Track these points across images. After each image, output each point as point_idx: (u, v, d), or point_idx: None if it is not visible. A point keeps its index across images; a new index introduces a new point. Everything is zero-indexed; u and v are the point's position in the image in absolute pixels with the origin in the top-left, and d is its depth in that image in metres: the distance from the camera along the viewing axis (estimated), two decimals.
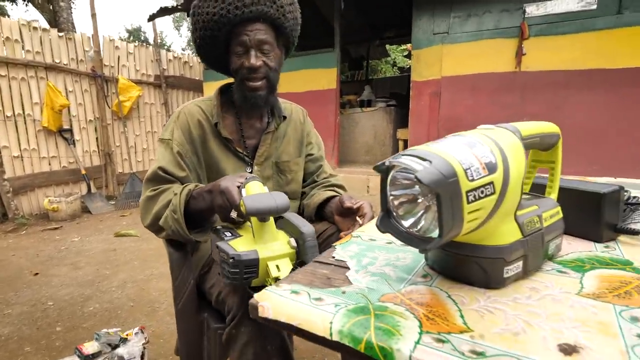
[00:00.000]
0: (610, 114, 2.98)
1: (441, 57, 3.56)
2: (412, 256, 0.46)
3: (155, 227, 0.84)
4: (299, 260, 0.61)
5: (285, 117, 1.02)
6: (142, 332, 1.65)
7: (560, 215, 0.44)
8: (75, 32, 5.67)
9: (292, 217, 0.66)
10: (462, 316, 0.32)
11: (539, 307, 0.33)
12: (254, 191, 0.66)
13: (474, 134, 0.36)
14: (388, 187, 0.36)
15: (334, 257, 0.47)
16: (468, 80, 3.47)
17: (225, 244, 0.61)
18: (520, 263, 0.38)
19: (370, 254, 0.48)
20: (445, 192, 0.30)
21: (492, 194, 0.33)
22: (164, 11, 4.15)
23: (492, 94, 3.38)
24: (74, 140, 4.03)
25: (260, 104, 0.92)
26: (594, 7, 2.97)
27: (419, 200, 0.34)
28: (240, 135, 0.96)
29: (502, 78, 3.32)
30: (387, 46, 7.18)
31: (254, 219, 0.62)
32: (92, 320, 1.83)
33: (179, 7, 4.19)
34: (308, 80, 4.20)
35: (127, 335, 1.62)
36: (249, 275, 0.58)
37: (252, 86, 0.89)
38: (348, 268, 0.44)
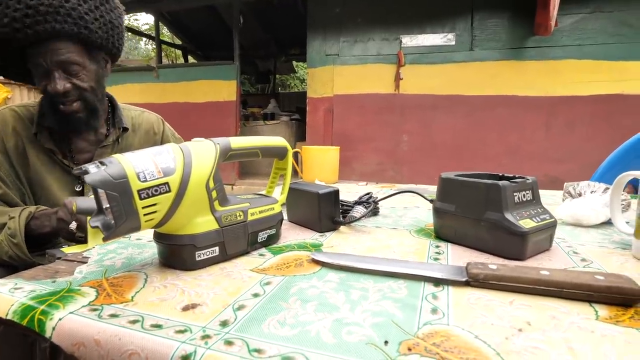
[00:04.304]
0: (466, 133, 3.52)
1: (333, 76, 3.86)
2: (149, 250, 0.54)
3: None
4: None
5: (126, 129, 0.96)
6: None
7: (276, 210, 0.55)
8: None
9: None
10: (137, 292, 0.40)
11: (208, 281, 0.43)
12: None
13: (169, 145, 0.45)
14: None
15: (82, 255, 0.52)
16: (356, 99, 3.81)
17: (54, 251, 0.60)
18: (217, 248, 0.47)
19: (120, 250, 0.55)
20: (113, 190, 0.38)
21: (168, 192, 0.42)
22: None
23: (376, 113, 3.75)
24: None
25: (80, 127, 0.84)
26: (453, 42, 3.52)
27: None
28: (67, 149, 0.89)
29: (384, 99, 3.72)
30: (295, 63, 7.46)
31: (88, 226, 0.62)
32: None
33: None
34: (208, 91, 4.17)
35: None
36: None
37: (66, 110, 0.79)
38: (85, 262, 0.49)
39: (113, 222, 0.40)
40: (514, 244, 0.48)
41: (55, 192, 0.87)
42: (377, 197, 0.74)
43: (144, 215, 0.41)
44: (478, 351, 0.29)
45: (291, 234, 0.62)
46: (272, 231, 0.55)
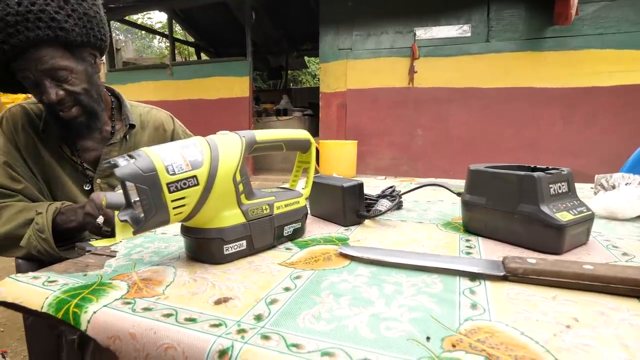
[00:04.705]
0: (482, 127, 3.46)
1: (346, 71, 3.83)
2: (176, 244, 0.54)
3: (3, 245, 0.79)
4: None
5: (133, 126, 0.95)
6: (4, 357, 1.51)
7: (301, 204, 0.55)
8: None
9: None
10: (168, 285, 0.40)
11: (237, 275, 0.42)
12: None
13: (196, 138, 0.45)
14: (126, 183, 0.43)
15: (110, 249, 0.53)
16: (370, 93, 3.77)
17: (83, 244, 0.61)
18: (244, 242, 0.47)
19: (147, 244, 0.55)
20: (142, 183, 0.38)
21: (196, 185, 0.41)
22: None
23: (390, 107, 3.71)
24: None
25: (82, 132, 0.82)
26: (469, 34, 3.45)
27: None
28: (75, 148, 0.88)
29: (398, 92, 3.67)
30: (306, 58, 7.44)
31: (117, 220, 0.63)
32: None
33: None
34: (220, 87, 4.19)
35: None
36: None
37: (65, 117, 0.78)
38: (114, 256, 0.49)
39: (142, 215, 0.39)
40: (551, 238, 0.46)
41: (70, 187, 0.88)
42: (400, 191, 0.72)
43: (173, 208, 0.40)
44: (526, 348, 0.28)
45: (315, 227, 0.61)
46: (298, 225, 0.54)
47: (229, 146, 0.46)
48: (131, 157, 0.39)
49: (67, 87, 0.75)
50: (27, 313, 0.37)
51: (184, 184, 0.40)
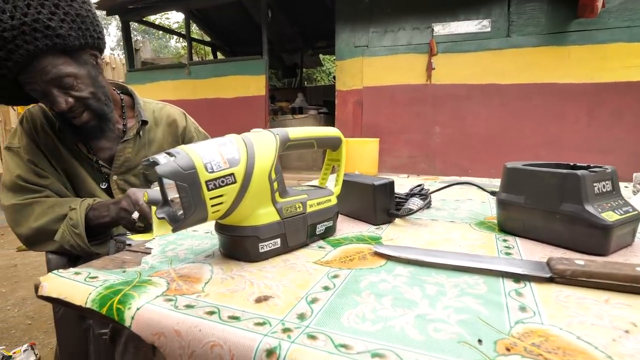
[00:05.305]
0: (502, 124, 3.38)
1: (362, 68, 3.80)
2: (208, 241, 0.54)
3: (36, 239, 0.82)
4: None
5: (145, 122, 0.95)
6: (32, 349, 1.56)
7: (332, 202, 0.54)
8: None
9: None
10: (206, 282, 0.40)
11: (274, 273, 0.42)
12: None
13: (231, 136, 0.44)
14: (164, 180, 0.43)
15: (144, 246, 0.53)
16: (386, 90, 3.73)
17: (122, 237, 0.63)
18: (278, 240, 0.47)
19: (180, 241, 0.55)
20: (182, 181, 0.38)
21: (234, 183, 0.41)
22: None
23: (407, 104, 3.67)
24: None
25: (96, 135, 0.83)
26: (489, 29, 3.37)
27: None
28: (90, 146, 0.89)
29: (415, 90, 3.62)
30: (321, 56, 7.42)
31: (154, 215, 0.64)
32: None
33: (95, 5, 3.97)
34: (237, 86, 4.21)
35: (13, 353, 1.52)
36: None
37: (77, 123, 0.79)
38: (149, 253, 0.50)
39: (180, 213, 0.40)
40: (596, 238, 0.44)
41: (89, 183, 0.90)
42: (429, 189, 0.71)
43: (211, 206, 0.40)
44: (585, 353, 0.27)
45: (345, 226, 0.60)
46: (330, 223, 0.54)
47: (264, 144, 0.45)
48: (170, 154, 0.39)
49: (75, 94, 0.75)
50: (71, 308, 0.38)
51: (222, 181, 0.40)
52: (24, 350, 1.52)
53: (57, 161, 0.87)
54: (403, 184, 0.96)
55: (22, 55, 0.67)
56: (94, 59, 0.81)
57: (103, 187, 0.91)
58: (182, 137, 1.04)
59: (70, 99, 0.75)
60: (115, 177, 0.91)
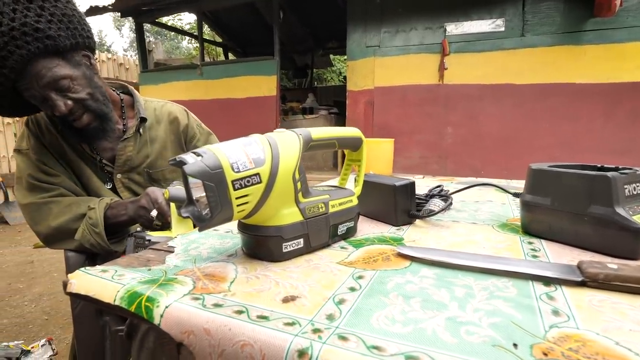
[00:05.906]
0: (515, 124, 3.34)
1: (374, 68, 3.78)
2: (230, 240, 0.54)
3: (55, 237, 0.84)
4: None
5: (144, 119, 0.95)
6: (50, 344, 1.59)
7: (354, 203, 0.54)
8: None
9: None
10: (231, 282, 0.40)
11: (298, 273, 0.42)
12: None
13: (256, 136, 0.45)
14: (189, 179, 0.43)
15: (167, 244, 0.54)
16: (398, 90, 3.71)
17: (142, 233, 0.64)
18: (301, 240, 0.46)
19: (202, 240, 0.55)
20: (210, 180, 0.38)
21: (259, 183, 0.41)
22: (92, 11, 3.97)
23: (419, 104, 3.64)
24: None
25: (98, 135, 0.83)
26: (502, 29, 3.33)
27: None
28: (92, 147, 0.90)
29: (427, 90, 3.60)
30: (332, 56, 7.41)
31: (173, 213, 0.65)
32: None
33: (110, 7, 4.04)
34: (248, 86, 4.24)
35: (31, 347, 1.55)
36: None
37: (78, 125, 0.79)
38: (172, 252, 0.50)
39: (206, 212, 0.40)
40: (627, 242, 0.43)
41: (95, 181, 0.91)
42: (448, 190, 0.70)
43: (237, 205, 0.40)
44: (626, 359, 0.26)
45: (365, 227, 0.60)
46: (351, 224, 0.53)
47: (288, 144, 0.45)
48: (197, 154, 0.40)
49: (73, 96, 0.75)
50: (99, 305, 0.39)
51: (248, 181, 0.40)
52: (42, 345, 1.55)
53: (64, 160, 0.88)
54: (420, 184, 0.95)
55: (16, 61, 0.67)
56: (87, 60, 0.81)
57: (108, 187, 0.93)
58: (185, 134, 1.04)
59: (70, 102, 0.75)
60: (119, 176, 0.92)
